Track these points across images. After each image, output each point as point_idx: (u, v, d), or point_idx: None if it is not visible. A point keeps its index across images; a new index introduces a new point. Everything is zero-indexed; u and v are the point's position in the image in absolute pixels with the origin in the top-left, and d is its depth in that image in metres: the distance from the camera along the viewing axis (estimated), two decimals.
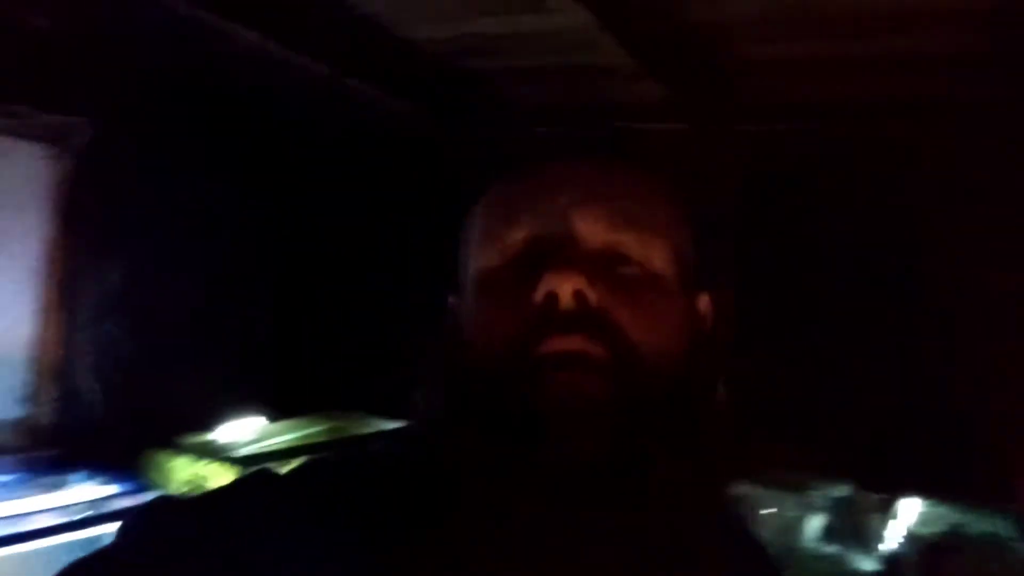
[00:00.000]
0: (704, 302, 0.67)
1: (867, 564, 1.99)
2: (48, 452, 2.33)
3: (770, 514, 2.00)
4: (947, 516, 1.99)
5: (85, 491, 2.13)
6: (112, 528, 0.58)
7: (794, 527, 1.98)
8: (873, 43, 2.00)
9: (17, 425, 2.35)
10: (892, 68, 2.13)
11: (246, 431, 2.47)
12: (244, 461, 2.19)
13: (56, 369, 2.39)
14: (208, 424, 2.47)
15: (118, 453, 2.32)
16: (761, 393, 2.56)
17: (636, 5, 1.88)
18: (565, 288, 0.54)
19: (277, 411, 2.63)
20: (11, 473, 2.23)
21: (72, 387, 2.40)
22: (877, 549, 2.01)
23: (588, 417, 0.53)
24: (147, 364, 2.51)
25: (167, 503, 0.57)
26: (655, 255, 0.60)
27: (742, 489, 1.97)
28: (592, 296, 0.55)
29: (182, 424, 2.41)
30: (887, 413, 2.31)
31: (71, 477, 2.20)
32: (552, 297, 0.55)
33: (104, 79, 2.33)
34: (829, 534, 2.02)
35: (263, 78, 2.44)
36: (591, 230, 0.59)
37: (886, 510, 2.03)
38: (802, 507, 1.99)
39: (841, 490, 2.05)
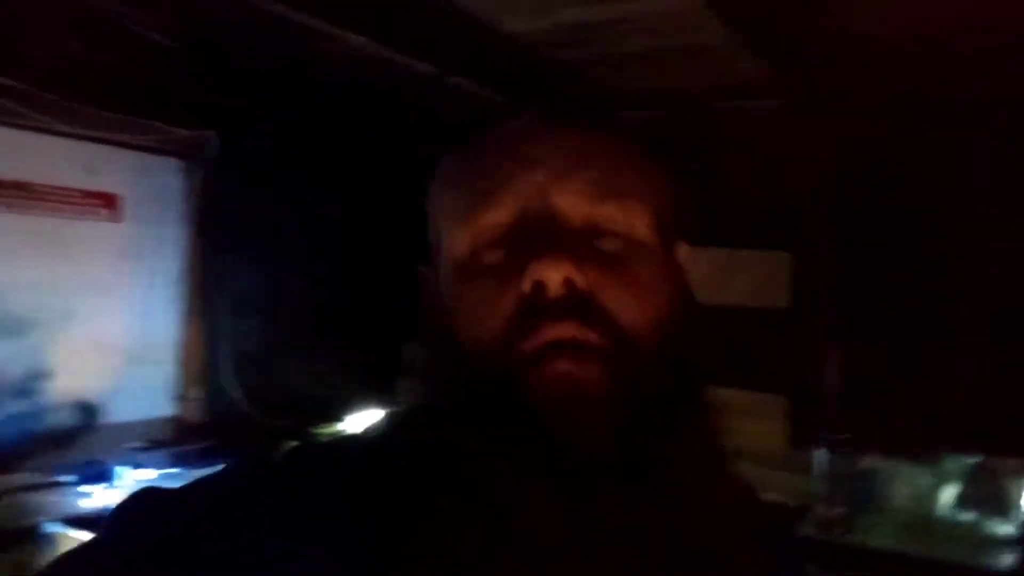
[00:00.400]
0: (682, 252, 0.64)
1: (1004, 529, 1.96)
2: (197, 446, 2.51)
3: (904, 484, 1.99)
4: None
5: None
6: None
7: (929, 496, 1.96)
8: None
9: (170, 422, 2.54)
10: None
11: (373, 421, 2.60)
12: None
13: (200, 369, 2.56)
14: (338, 415, 2.60)
15: (259, 445, 2.47)
16: (887, 366, 2.55)
17: None
18: (553, 276, 0.51)
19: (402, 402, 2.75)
20: (166, 466, 2.41)
21: (215, 385, 2.57)
22: (1014, 514, 1.98)
23: (587, 407, 0.50)
24: (282, 361, 2.66)
25: (154, 493, 0.54)
26: (638, 223, 0.57)
27: (875, 462, 1.97)
28: (581, 280, 0.52)
29: (315, 416, 2.55)
30: (1018, 377, 2.25)
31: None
32: (540, 285, 0.52)
33: (228, 93, 2.47)
34: (964, 501, 2.00)
35: (371, 81, 2.54)
36: (572, 205, 0.55)
37: (1022, 475, 1.99)
38: (936, 476, 1.96)
39: (974, 458, 2.02)
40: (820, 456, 2.17)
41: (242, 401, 2.62)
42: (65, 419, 2.42)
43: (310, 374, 2.71)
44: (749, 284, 2.77)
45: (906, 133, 2.45)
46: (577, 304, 0.52)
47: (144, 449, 2.41)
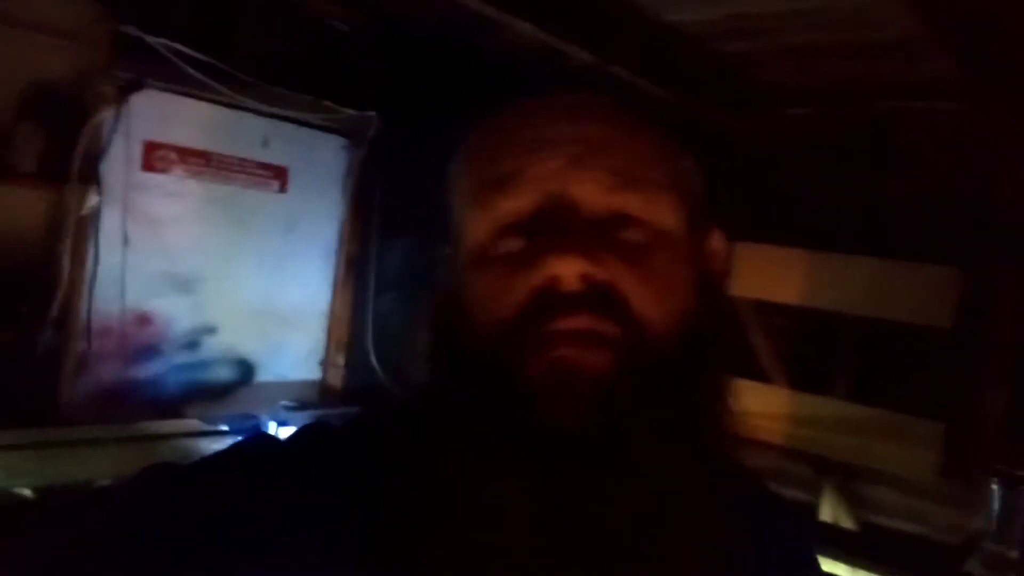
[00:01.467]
0: (716, 239, 0.62)
1: None
2: (339, 410, 2.63)
3: None
4: None
5: None
6: None
7: None
8: None
9: (315, 385, 2.69)
10: None
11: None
12: None
13: (345, 338, 2.69)
14: None
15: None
16: None
17: None
18: (569, 271, 0.51)
19: None
20: None
21: (357, 354, 2.69)
22: None
23: (585, 390, 0.50)
24: (421, 334, 2.74)
25: (163, 469, 0.56)
26: (662, 211, 0.55)
27: None
28: (597, 273, 0.51)
29: None
30: None
31: None
32: (555, 280, 0.51)
33: (390, 76, 2.58)
34: None
35: (531, 68, 2.57)
36: (592, 194, 0.54)
37: None
38: None
39: None
40: (992, 490, 2.02)
41: (380, 372, 2.72)
42: (224, 374, 2.60)
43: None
44: (911, 299, 2.61)
45: None
46: (593, 296, 0.51)
47: (292, 408, 2.55)
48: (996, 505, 2.00)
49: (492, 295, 0.54)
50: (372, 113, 2.56)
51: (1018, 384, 2.47)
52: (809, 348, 2.88)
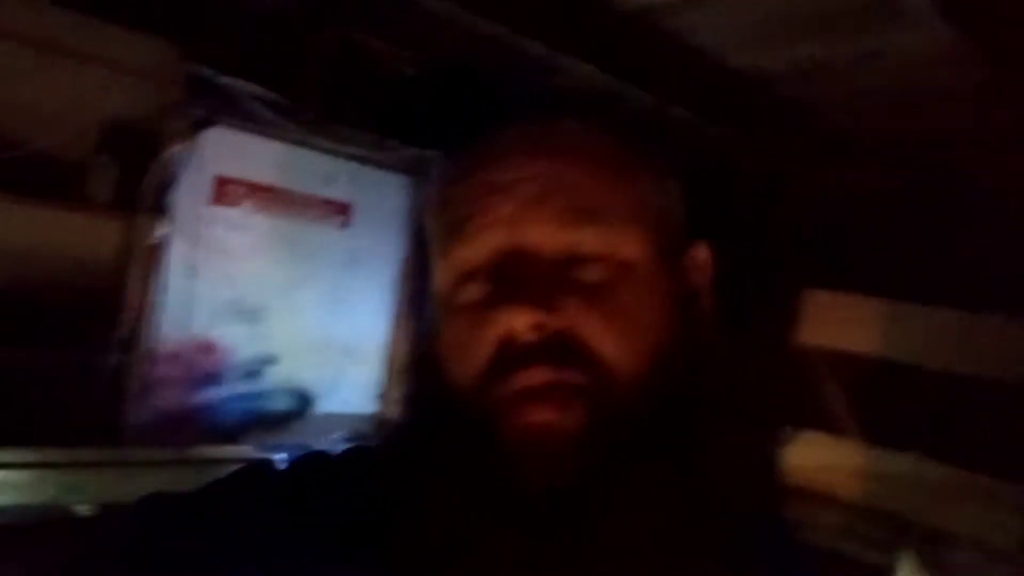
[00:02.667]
0: (701, 254, 0.60)
1: None
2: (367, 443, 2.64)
3: None
4: None
5: None
6: None
7: None
8: None
9: (372, 418, 2.71)
10: None
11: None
12: None
13: (402, 371, 2.71)
14: None
15: None
16: None
17: (1006, 17, 1.69)
18: (521, 323, 0.49)
19: None
20: None
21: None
22: None
23: (560, 448, 0.48)
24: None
25: (160, 499, 0.55)
26: (623, 242, 0.53)
27: None
28: (555, 321, 0.49)
29: None
30: None
31: None
32: (510, 332, 0.50)
33: (454, 115, 2.61)
34: None
35: (593, 111, 2.56)
36: (546, 236, 0.52)
37: None
38: None
39: None
40: None
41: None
42: (282, 404, 2.65)
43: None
44: (994, 353, 2.46)
45: None
46: (553, 347, 0.49)
47: (348, 440, 2.57)
48: None
49: (459, 345, 0.53)
50: (433, 151, 2.60)
51: None
52: (885, 401, 2.74)
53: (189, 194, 2.34)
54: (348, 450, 0.62)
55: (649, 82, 2.32)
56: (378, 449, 0.64)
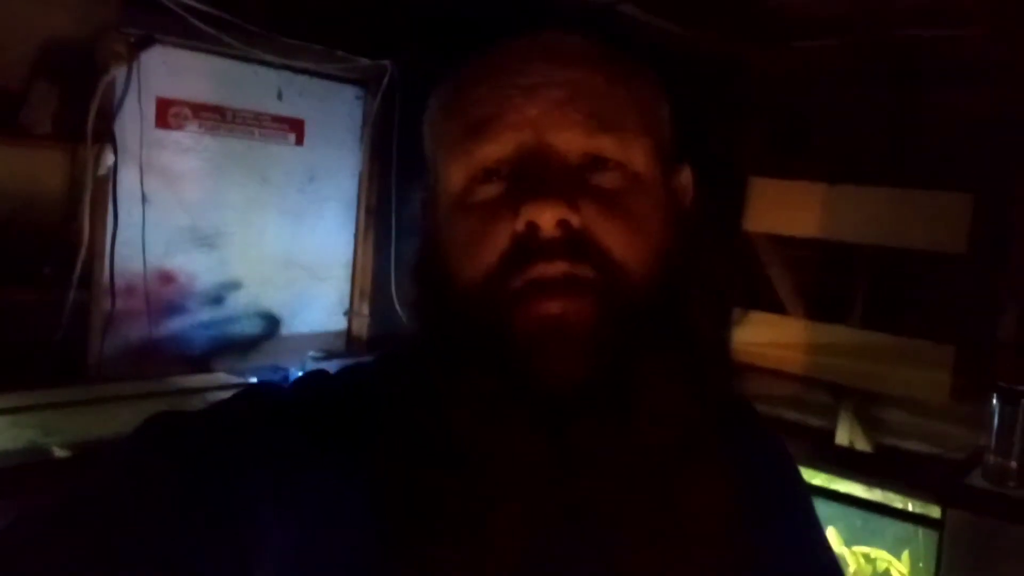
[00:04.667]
0: (685, 176, 0.63)
1: None
2: (365, 358, 2.67)
3: None
4: None
5: None
6: None
7: None
8: None
9: (342, 335, 2.72)
10: None
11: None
12: None
13: (369, 287, 2.71)
14: None
15: None
16: None
17: None
18: (547, 217, 0.51)
19: None
20: None
21: (383, 303, 2.72)
22: None
23: (571, 345, 0.51)
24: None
25: (165, 420, 0.55)
26: (636, 153, 0.56)
27: None
28: (575, 219, 0.52)
29: None
30: None
31: None
32: (533, 226, 0.52)
33: (404, 23, 2.53)
34: None
35: (544, 13, 2.53)
36: (568, 140, 0.54)
37: None
38: None
39: None
40: (993, 406, 2.09)
41: (405, 318, 2.75)
42: (250, 328, 2.62)
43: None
44: (926, 227, 2.65)
45: None
46: (570, 242, 0.52)
47: (320, 359, 2.58)
48: (996, 419, 2.07)
49: (472, 242, 0.55)
50: (386, 61, 2.53)
51: None
52: (826, 279, 2.93)
53: (133, 119, 2.22)
54: (348, 367, 0.64)
55: None
56: (380, 362, 0.65)
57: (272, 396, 0.60)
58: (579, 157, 0.55)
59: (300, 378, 0.64)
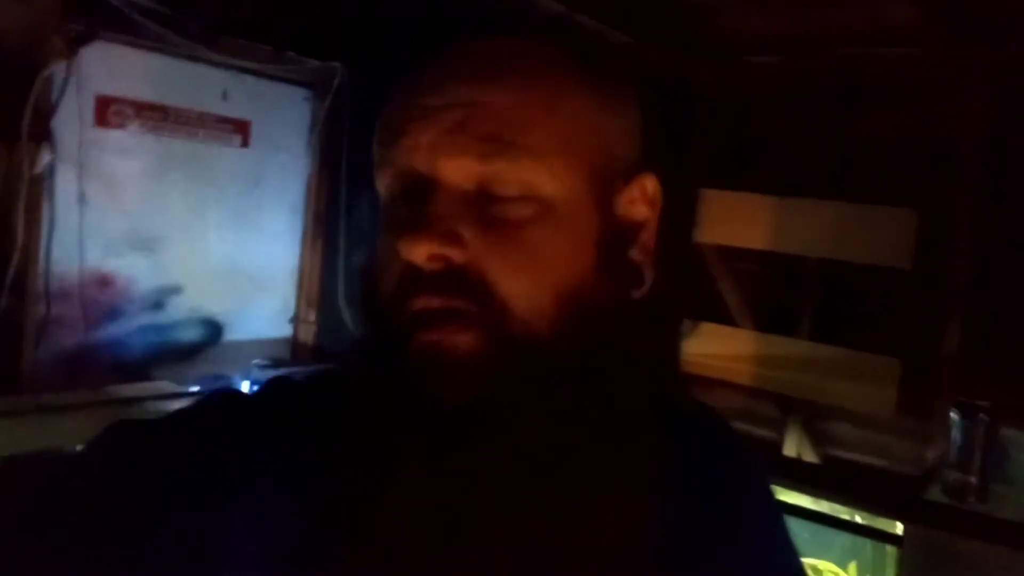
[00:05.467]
0: (649, 184, 0.59)
1: None
2: (311, 367, 2.61)
3: None
4: None
5: None
6: None
7: None
8: None
9: (287, 343, 2.65)
10: None
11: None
12: None
13: (316, 294, 2.66)
14: None
15: None
16: (1015, 335, 2.45)
17: None
18: (418, 253, 0.50)
19: None
20: None
21: (330, 310, 2.67)
22: None
23: (454, 368, 0.50)
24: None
25: (129, 425, 0.55)
26: (544, 178, 0.52)
27: (1008, 431, 1.91)
28: (455, 254, 0.51)
29: None
30: None
31: None
32: (410, 260, 0.51)
33: (354, 24, 2.50)
34: None
35: (499, 17, 2.52)
36: (457, 168, 0.52)
37: None
38: None
39: None
40: (952, 420, 2.12)
41: (353, 327, 2.70)
42: (190, 334, 2.55)
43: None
44: (872, 241, 2.68)
45: None
46: (449, 277, 0.51)
47: (265, 367, 2.52)
48: (957, 435, 2.09)
49: (382, 267, 0.55)
50: (336, 63, 2.49)
51: (972, 321, 2.57)
52: (775, 291, 2.95)
53: (71, 118, 2.15)
54: (317, 372, 0.64)
55: None
56: (341, 371, 0.64)
57: (237, 400, 0.60)
58: (474, 185, 0.52)
59: (266, 383, 0.63)
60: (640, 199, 0.59)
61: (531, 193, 0.52)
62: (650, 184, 0.59)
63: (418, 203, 0.52)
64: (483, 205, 0.52)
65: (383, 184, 0.55)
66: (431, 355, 0.51)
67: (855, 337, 2.76)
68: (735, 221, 2.88)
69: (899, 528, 1.93)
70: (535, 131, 0.52)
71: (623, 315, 0.56)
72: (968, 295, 2.57)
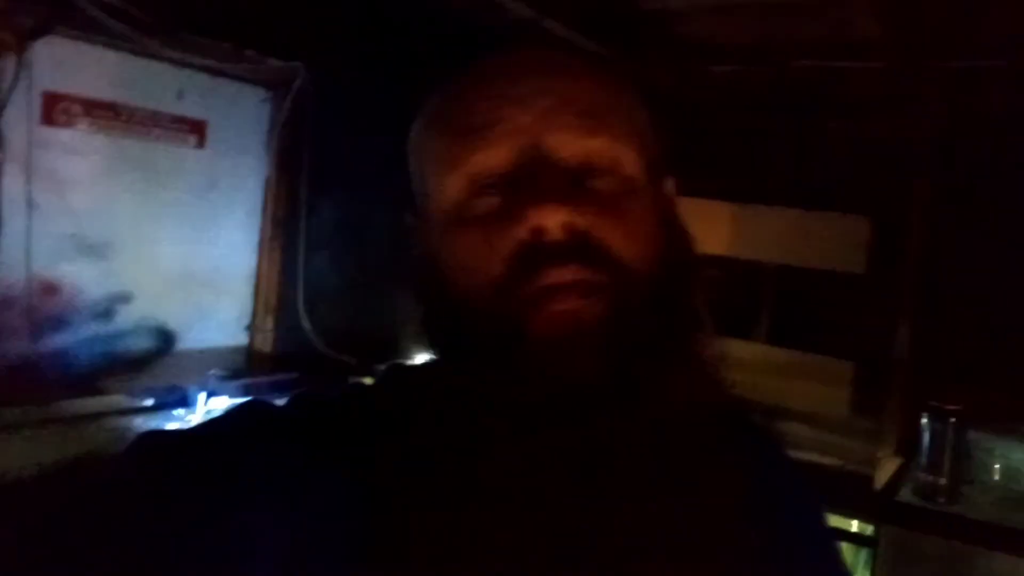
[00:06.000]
0: (669, 186, 0.65)
1: None
2: (269, 377, 2.53)
3: (1001, 460, 2.01)
4: None
5: None
6: None
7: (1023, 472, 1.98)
8: None
9: (244, 352, 2.56)
10: None
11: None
12: None
13: (274, 301, 2.57)
14: (407, 354, 2.61)
15: (330, 378, 2.49)
16: (965, 335, 2.55)
17: None
18: (553, 222, 0.52)
19: None
20: (240, 395, 2.43)
21: (288, 318, 2.58)
22: None
23: (586, 342, 0.51)
24: (354, 297, 2.66)
25: (157, 437, 0.54)
26: (625, 158, 0.58)
27: (973, 435, 1.98)
28: (580, 222, 0.53)
29: (382, 353, 2.55)
30: None
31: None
32: (539, 231, 0.52)
33: (316, 23, 2.43)
34: None
35: (463, 20, 2.49)
36: (563, 145, 0.55)
37: None
38: None
39: None
40: (922, 423, 2.18)
41: (312, 334, 2.63)
42: (141, 343, 2.43)
43: (382, 312, 2.72)
44: (827, 247, 2.76)
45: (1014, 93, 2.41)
46: (577, 246, 0.52)
47: (223, 377, 2.43)
48: (926, 438, 2.16)
49: (475, 254, 0.54)
50: (297, 63, 2.41)
51: (923, 324, 2.66)
52: (733, 296, 3.00)
53: (19, 116, 2.02)
54: (349, 386, 0.63)
55: None
56: (384, 379, 0.64)
57: (267, 411, 0.58)
58: (575, 161, 0.55)
59: (293, 396, 0.61)
60: (671, 191, 0.65)
61: (618, 170, 0.57)
62: (670, 185, 0.66)
63: (525, 181, 0.54)
64: (583, 180, 0.55)
65: (459, 178, 0.56)
66: (566, 326, 0.51)
67: (811, 340, 2.83)
68: (695, 227, 2.90)
69: (871, 530, 1.98)
70: (614, 117, 0.58)
71: (687, 277, 0.61)
72: (919, 299, 2.66)
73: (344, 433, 0.55)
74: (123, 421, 2.21)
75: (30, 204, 2.09)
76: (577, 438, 0.52)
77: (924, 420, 2.18)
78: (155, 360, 2.45)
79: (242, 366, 2.57)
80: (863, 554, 2.12)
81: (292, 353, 2.58)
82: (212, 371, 2.41)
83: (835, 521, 2.21)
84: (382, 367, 0.66)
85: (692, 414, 0.56)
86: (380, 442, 0.54)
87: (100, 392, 2.27)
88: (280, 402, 0.59)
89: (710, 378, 0.61)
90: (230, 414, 0.57)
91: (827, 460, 2.86)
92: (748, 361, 2.92)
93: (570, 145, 0.55)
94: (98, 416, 2.12)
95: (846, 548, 2.18)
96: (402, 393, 0.59)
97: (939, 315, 2.61)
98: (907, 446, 2.54)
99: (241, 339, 2.60)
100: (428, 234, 0.60)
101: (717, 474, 0.57)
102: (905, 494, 2.14)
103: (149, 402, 2.29)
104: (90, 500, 0.48)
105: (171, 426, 2.21)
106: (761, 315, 2.93)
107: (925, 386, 2.51)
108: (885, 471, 2.44)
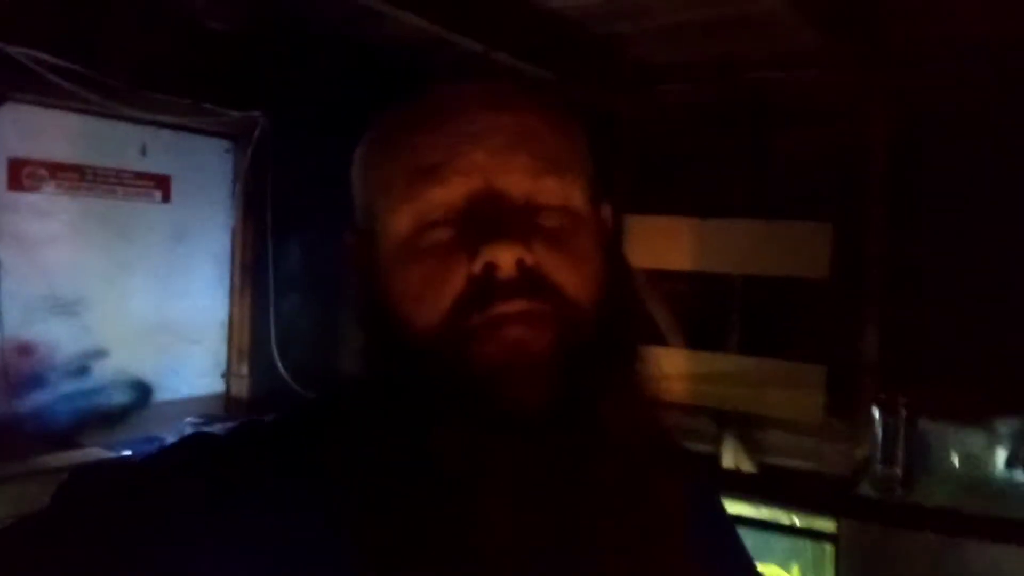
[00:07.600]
0: (606, 211, 0.67)
1: None
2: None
3: (959, 448, 2.04)
4: None
5: None
6: None
7: (983, 460, 2.01)
8: None
9: (220, 399, 2.59)
10: None
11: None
12: None
13: (247, 347, 2.61)
14: None
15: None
16: (930, 335, 2.59)
17: None
18: (505, 258, 0.53)
19: None
20: None
21: (262, 363, 2.62)
22: None
23: (535, 365, 0.53)
24: (327, 338, 2.70)
25: (100, 469, 0.55)
26: (573, 195, 0.60)
27: (927, 424, 2.01)
28: (530, 258, 0.54)
29: None
30: None
31: None
32: (492, 267, 0.54)
33: (278, 75, 2.49)
34: (1016, 463, 2.04)
35: (418, 62, 2.55)
36: (515, 185, 0.57)
37: None
38: (989, 440, 2.01)
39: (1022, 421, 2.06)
40: (874, 417, 2.21)
41: (288, 378, 2.66)
42: (118, 398, 2.46)
43: (354, 352, 2.75)
44: (791, 256, 2.80)
45: (959, 100, 2.47)
46: (527, 281, 0.54)
47: (198, 425, 2.45)
48: (879, 430, 2.19)
49: (425, 285, 0.55)
50: (257, 113, 2.47)
51: (888, 326, 2.70)
52: (702, 309, 3.04)
53: None
54: (280, 416, 0.64)
55: (472, 28, 2.35)
56: (316, 411, 0.64)
57: (209, 442, 0.59)
58: (525, 199, 0.57)
59: (235, 425, 0.63)
60: (608, 216, 0.67)
61: (567, 205, 0.59)
62: (607, 210, 0.68)
63: (476, 218, 0.55)
64: (533, 217, 0.57)
65: (411, 213, 0.57)
66: (513, 356, 0.53)
67: (782, 347, 2.86)
68: (660, 244, 2.96)
69: (835, 527, 2.01)
70: (565, 154, 0.60)
71: (628, 307, 0.64)
72: (883, 301, 2.70)
73: (289, 459, 0.56)
74: None
75: (0, 267, 2.13)
76: (522, 465, 0.52)
77: (876, 413, 2.21)
78: (133, 413, 2.48)
79: (219, 412, 2.60)
80: (828, 550, 2.14)
81: (268, 396, 2.61)
82: (188, 419, 2.44)
83: (801, 520, 2.23)
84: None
85: (631, 442, 0.57)
86: (334, 470, 0.54)
87: (80, 446, 2.29)
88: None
89: (649, 405, 0.62)
90: (176, 447, 0.59)
91: (806, 465, 2.89)
92: (722, 372, 2.95)
93: (522, 184, 0.57)
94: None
95: (811, 547, 2.20)
96: (349, 422, 0.58)
97: (904, 315, 2.65)
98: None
99: (218, 386, 2.64)
100: (374, 260, 0.60)
101: (655, 502, 0.58)
102: (863, 488, 2.16)
103: (127, 453, 2.31)
104: (10, 544, 0.50)
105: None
106: (731, 326, 2.97)
107: (894, 386, 2.54)
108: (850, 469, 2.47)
